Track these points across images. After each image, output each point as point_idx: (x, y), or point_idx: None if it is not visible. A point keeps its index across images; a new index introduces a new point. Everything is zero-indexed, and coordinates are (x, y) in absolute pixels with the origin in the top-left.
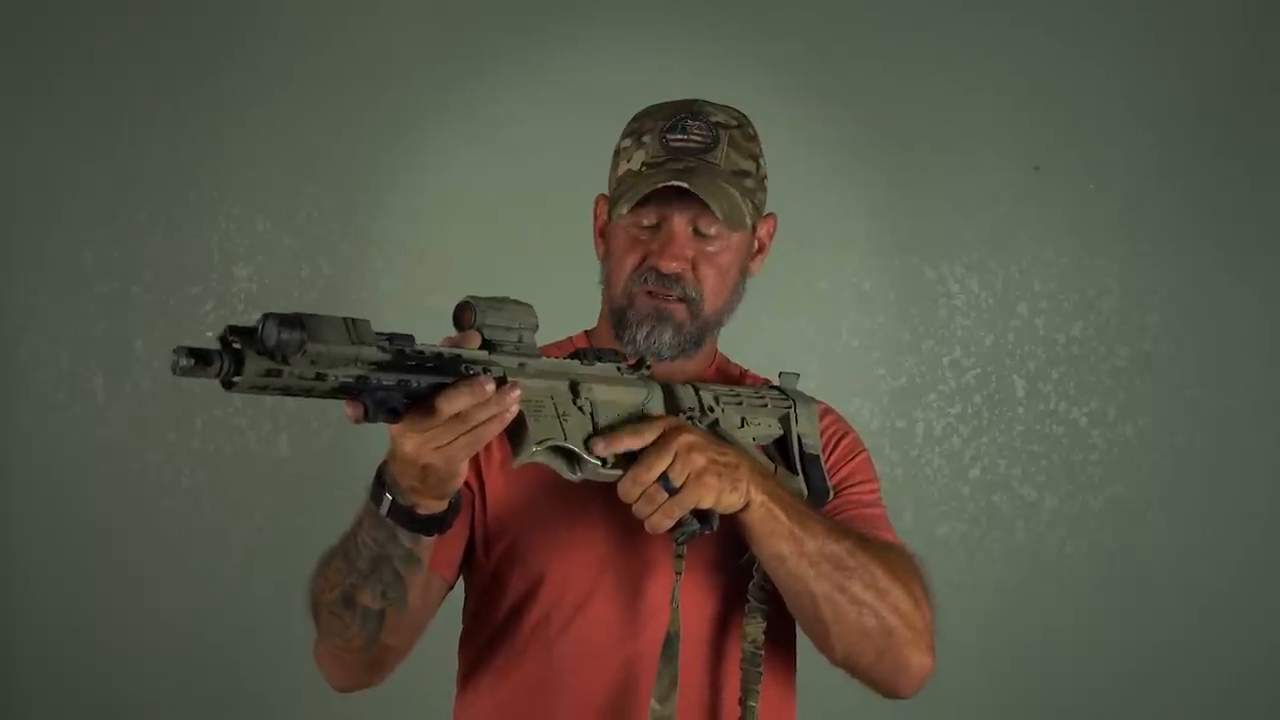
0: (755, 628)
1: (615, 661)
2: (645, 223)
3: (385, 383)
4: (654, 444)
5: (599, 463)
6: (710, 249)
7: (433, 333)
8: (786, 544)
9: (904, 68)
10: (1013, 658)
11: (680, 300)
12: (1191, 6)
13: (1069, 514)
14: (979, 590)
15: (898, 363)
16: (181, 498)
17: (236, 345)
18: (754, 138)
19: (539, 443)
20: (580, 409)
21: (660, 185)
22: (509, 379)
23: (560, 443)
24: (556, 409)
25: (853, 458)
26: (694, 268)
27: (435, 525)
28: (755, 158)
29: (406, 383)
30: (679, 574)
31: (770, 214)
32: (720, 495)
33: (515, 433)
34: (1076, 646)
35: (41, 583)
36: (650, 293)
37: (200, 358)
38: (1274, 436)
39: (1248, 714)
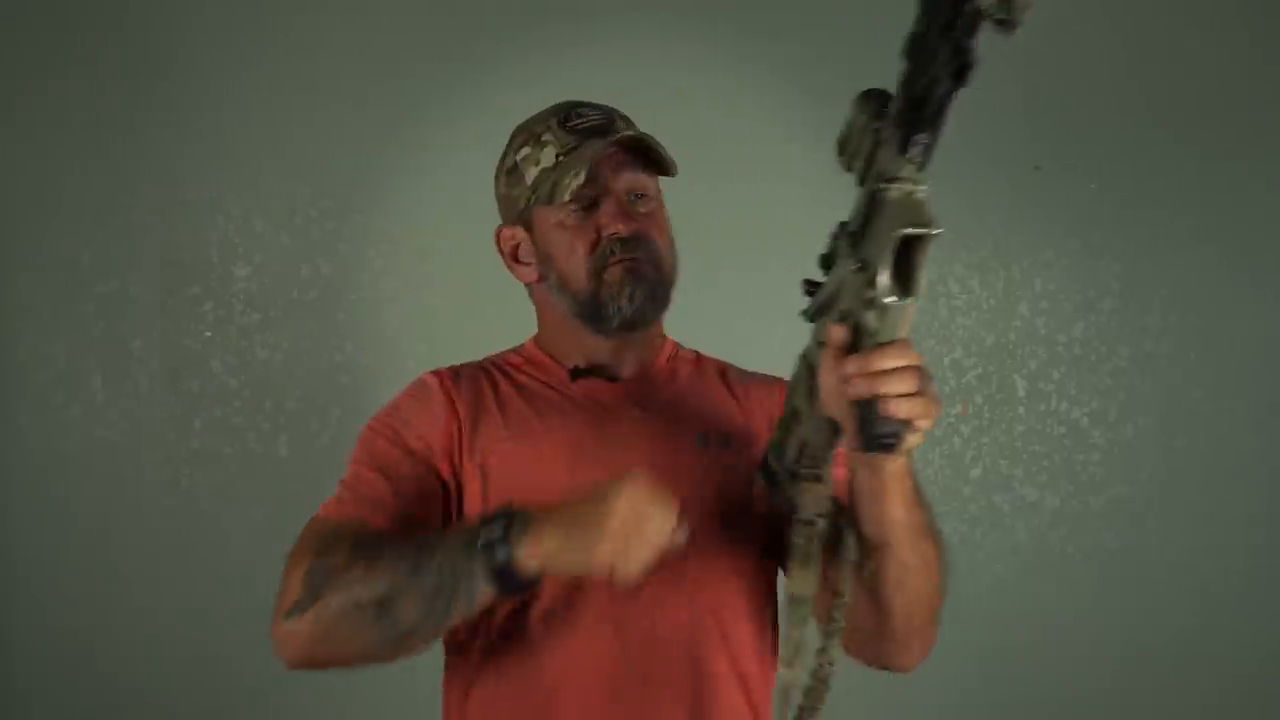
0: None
1: (611, 655)
2: (579, 205)
3: None
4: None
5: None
6: (647, 210)
7: (433, 332)
8: (902, 507)
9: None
10: (1013, 658)
11: (646, 261)
12: (1191, 6)
13: (1069, 514)
14: (979, 590)
15: None
16: (181, 498)
17: None
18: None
19: None
20: None
21: (616, 139)
22: None
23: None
24: None
25: None
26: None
27: (523, 588)
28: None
29: None
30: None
31: None
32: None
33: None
34: (1076, 646)
35: (40, 583)
36: (617, 261)
37: None
38: (1274, 437)
39: (1248, 714)
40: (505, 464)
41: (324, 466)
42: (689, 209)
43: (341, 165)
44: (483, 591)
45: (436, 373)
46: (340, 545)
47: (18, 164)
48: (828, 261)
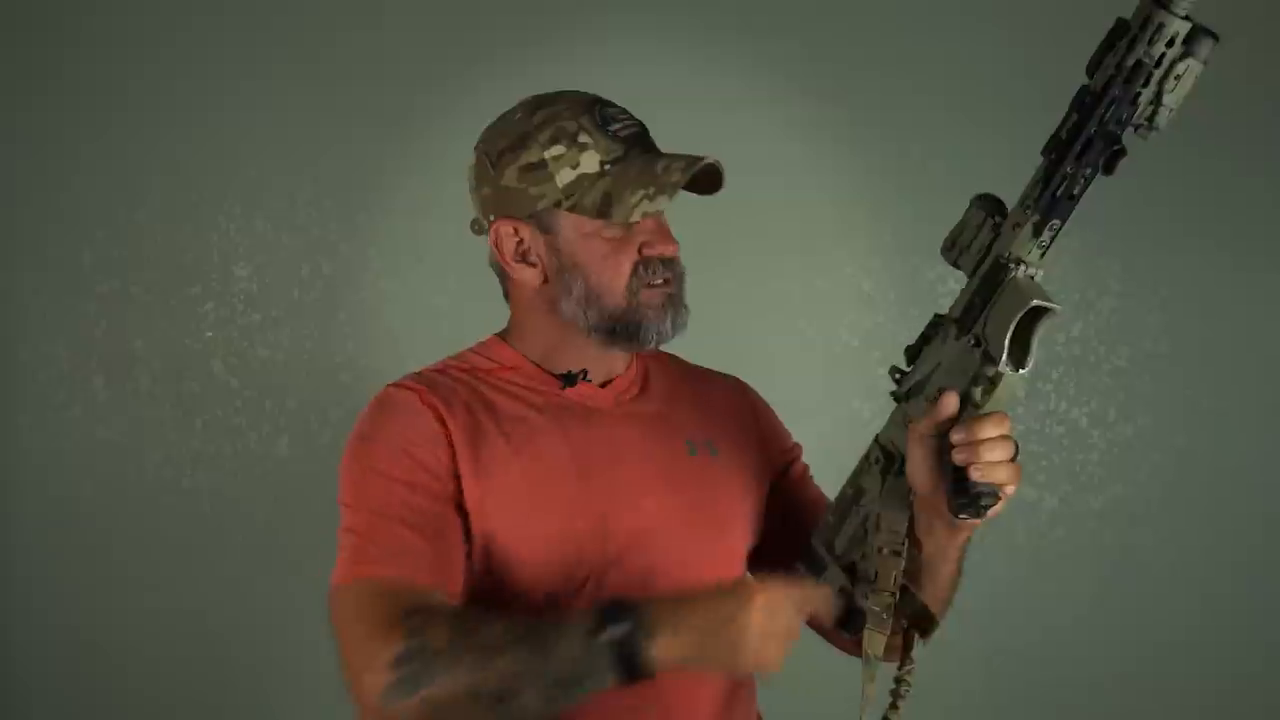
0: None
1: None
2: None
3: None
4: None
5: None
6: (666, 224)
7: (433, 332)
8: (958, 563)
9: (903, 67)
10: (1012, 657)
11: (677, 283)
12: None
13: (1069, 514)
14: (977, 590)
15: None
16: (181, 498)
17: None
18: None
19: None
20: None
21: (701, 165)
22: None
23: None
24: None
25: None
26: None
27: (646, 678)
28: None
29: None
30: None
31: None
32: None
33: None
34: (1076, 646)
35: (41, 583)
36: (653, 284)
37: None
38: (1274, 437)
39: (1248, 714)
40: (513, 480)
41: (324, 466)
42: (689, 209)
43: (343, 165)
44: (609, 684)
45: (411, 388)
46: (434, 624)
47: (19, 164)
48: (915, 352)
